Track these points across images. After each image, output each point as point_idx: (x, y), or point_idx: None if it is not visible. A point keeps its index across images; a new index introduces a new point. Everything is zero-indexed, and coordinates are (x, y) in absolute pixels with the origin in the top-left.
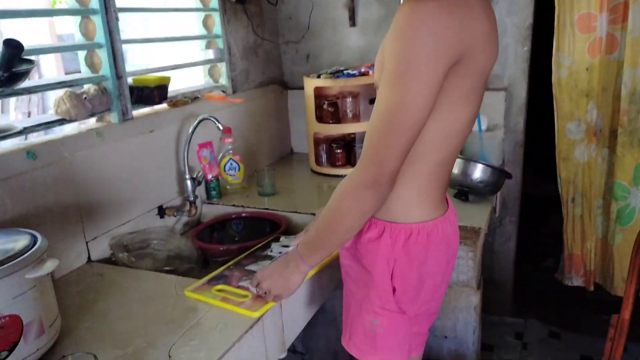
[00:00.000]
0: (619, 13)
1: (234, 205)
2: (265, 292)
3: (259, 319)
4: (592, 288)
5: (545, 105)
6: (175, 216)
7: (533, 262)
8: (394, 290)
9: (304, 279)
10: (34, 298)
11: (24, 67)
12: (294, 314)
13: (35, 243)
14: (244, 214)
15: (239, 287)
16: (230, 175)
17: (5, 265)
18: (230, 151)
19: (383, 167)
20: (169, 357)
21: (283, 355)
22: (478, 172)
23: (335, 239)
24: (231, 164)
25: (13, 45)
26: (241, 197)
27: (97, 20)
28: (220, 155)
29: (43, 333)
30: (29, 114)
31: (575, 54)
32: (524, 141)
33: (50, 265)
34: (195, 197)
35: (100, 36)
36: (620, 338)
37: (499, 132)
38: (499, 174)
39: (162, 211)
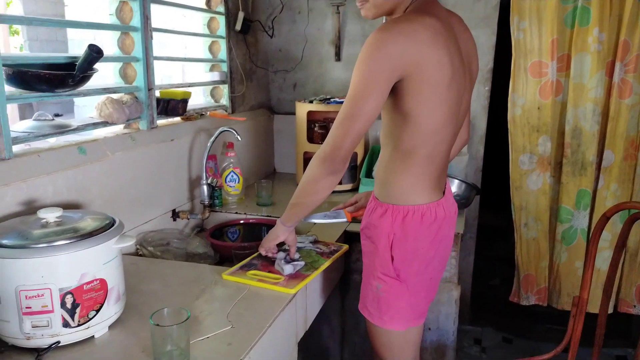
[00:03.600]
0: (563, 62)
1: (236, 213)
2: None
3: (294, 295)
4: (546, 304)
5: (495, 139)
6: (188, 219)
7: (482, 280)
8: (392, 259)
9: (285, 232)
10: (116, 266)
11: (91, 71)
12: (312, 297)
13: (114, 222)
14: (250, 220)
15: (269, 271)
16: (231, 186)
17: (101, 234)
18: (232, 164)
19: (335, 148)
20: (228, 320)
21: (304, 331)
22: (454, 186)
23: (300, 197)
24: (232, 176)
25: (95, 50)
26: (240, 206)
27: (136, 37)
28: (223, 167)
29: (119, 299)
30: None
31: (527, 94)
32: (482, 167)
33: (129, 240)
34: (210, 201)
35: (137, 51)
36: (580, 315)
37: (464, 158)
38: (471, 189)
39: (175, 214)
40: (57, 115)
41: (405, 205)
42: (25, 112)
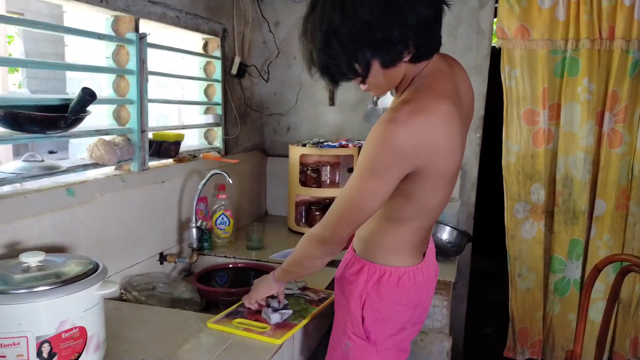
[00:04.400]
0: (554, 111)
1: (225, 257)
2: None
3: (281, 345)
4: (540, 358)
5: (487, 185)
6: (176, 262)
7: (475, 328)
8: (363, 319)
9: (277, 288)
10: (97, 313)
11: (84, 114)
12: (300, 347)
13: (98, 267)
14: (239, 264)
15: (256, 319)
16: (221, 229)
17: (83, 280)
18: (223, 207)
19: (334, 234)
20: None
21: None
22: (446, 233)
23: (297, 269)
24: (222, 218)
25: (89, 94)
26: (230, 249)
27: (132, 80)
28: (213, 210)
29: (98, 348)
30: None
31: (522, 142)
32: (474, 213)
33: (112, 286)
34: (199, 244)
35: (132, 93)
36: None
37: (456, 204)
38: (462, 236)
39: (163, 257)
40: (51, 152)
41: (383, 266)
42: (19, 149)
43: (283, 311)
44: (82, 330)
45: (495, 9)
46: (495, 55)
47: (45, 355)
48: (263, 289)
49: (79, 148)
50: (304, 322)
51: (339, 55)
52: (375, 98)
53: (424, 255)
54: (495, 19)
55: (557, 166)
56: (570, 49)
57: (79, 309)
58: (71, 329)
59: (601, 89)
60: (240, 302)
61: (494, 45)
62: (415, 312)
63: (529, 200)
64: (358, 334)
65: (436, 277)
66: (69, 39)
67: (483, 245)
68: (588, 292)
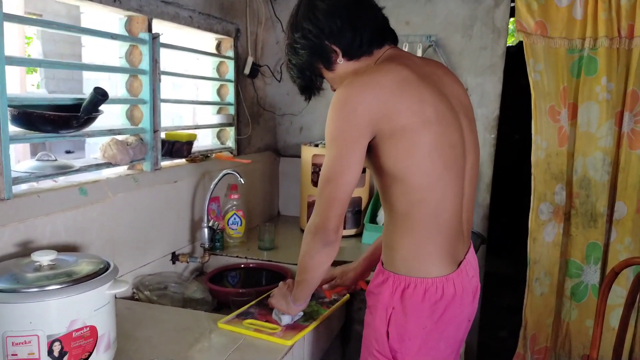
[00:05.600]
0: (571, 111)
1: (237, 257)
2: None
3: (291, 347)
4: None
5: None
6: (188, 262)
7: (490, 331)
8: (388, 336)
9: (296, 311)
10: (108, 313)
11: (96, 113)
12: (310, 349)
13: (109, 266)
14: (251, 265)
15: (267, 320)
16: (233, 229)
17: (94, 279)
18: (235, 207)
19: (323, 218)
20: None
21: None
22: None
23: (302, 275)
24: (234, 218)
25: (101, 93)
26: (241, 249)
27: (145, 80)
28: (225, 210)
29: (109, 347)
30: None
31: (549, 139)
32: (488, 214)
33: (123, 285)
34: (211, 244)
35: (145, 93)
36: None
37: None
38: (476, 238)
39: (175, 257)
40: (68, 152)
41: (407, 277)
42: (37, 148)
43: None
44: (93, 330)
45: (511, 8)
46: (510, 55)
47: (56, 354)
48: (283, 307)
49: (96, 148)
50: (315, 323)
51: (295, 67)
52: None
53: (459, 265)
54: (511, 18)
55: (575, 167)
56: (587, 47)
57: (89, 308)
58: (82, 328)
59: (620, 88)
60: (252, 302)
61: (509, 45)
62: (447, 331)
63: (552, 202)
64: (383, 352)
65: (475, 293)
66: (85, 40)
67: (500, 249)
68: (605, 296)
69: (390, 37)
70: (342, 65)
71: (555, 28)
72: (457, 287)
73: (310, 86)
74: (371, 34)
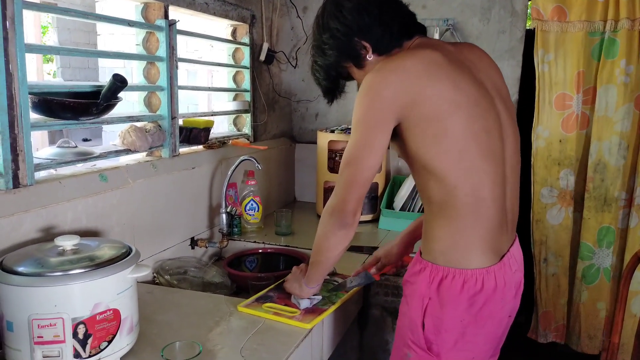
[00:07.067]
0: (589, 95)
1: (255, 242)
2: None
3: (310, 330)
4: (563, 341)
5: None
6: (207, 247)
7: None
8: (423, 326)
9: (309, 294)
10: (131, 296)
11: (115, 100)
12: (329, 332)
13: (130, 251)
14: (269, 250)
15: (286, 304)
16: (250, 215)
17: (116, 264)
18: (252, 193)
19: (341, 200)
20: (242, 355)
21: None
22: None
23: (317, 256)
24: (252, 204)
25: (120, 80)
26: (259, 235)
27: (162, 67)
28: (243, 196)
29: (132, 330)
30: None
31: (551, 127)
32: None
33: (145, 269)
34: (229, 229)
35: (162, 80)
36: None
37: None
38: None
39: (194, 242)
40: (85, 140)
41: (445, 267)
42: (55, 136)
43: (313, 296)
44: (116, 313)
45: None
46: (530, 38)
47: (80, 336)
48: (295, 290)
49: (112, 136)
50: (334, 307)
51: (322, 68)
52: None
53: (502, 257)
54: (530, 1)
55: (590, 151)
56: (609, 30)
57: (112, 291)
58: (105, 311)
59: None
60: (270, 286)
61: (529, 27)
62: (487, 326)
63: (556, 186)
64: (418, 343)
65: (519, 288)
66: (100, 28)
67: None
68: (627, 281)
69: (419, 29)
70: (372, 61)
71: (575, 11)
72: (498, 281)
73: (334, 88)
74: (400, 27)
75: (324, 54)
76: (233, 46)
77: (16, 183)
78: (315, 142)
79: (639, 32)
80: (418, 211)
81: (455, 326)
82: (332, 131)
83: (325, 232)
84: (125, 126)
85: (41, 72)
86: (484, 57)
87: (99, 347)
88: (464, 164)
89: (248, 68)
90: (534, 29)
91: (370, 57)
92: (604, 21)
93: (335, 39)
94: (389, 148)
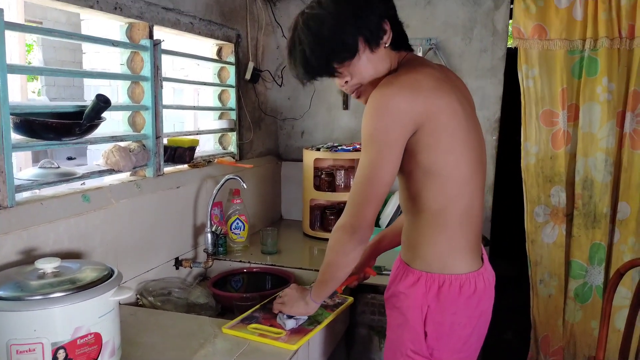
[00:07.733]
0: (572, 112)
1: (240, 262)
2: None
3: (296, 351)
4: None
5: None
6: (191, 267)
7: (495, 333)
8: (425, 335)
9: (316, 309)
10: (112, 319)
11: (99, 120)
12: (315, 353)
13: (113, 273)
14: (254, 269)
15: (271, 325)
16: (236, 234)
17: (98, 286)
18: (238, 212)
19: (360, 217)
20: None
21: None
22: None
23: (332, 273)
24: (237, 223)
25: (103, 100)
26: (245, 254)
27: (146, 86)
28: (228, 214)
29: (114, 354)
30: None
31: (541, 143)
32: (491, 217)
33: (127, 292)
34: (214, 249)
35: (147, 100)
36: None
37: None
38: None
39: (178, 262)
40: (70, 158)
41: (442, 274)
42: (38, 155)
43: (298, 317)
44: (98, 336)
45: (511, 10)
46: (511, 56)
47: None
48: (300, 309)
49: (97, 154)
50: (320, 327)
51: (330, 37)
52: None
53: (482, 260)
54: (510, 20)
55: (577, 168)
56: (588, 48)
57: (94, 315)
58: (86, 335)
59: (622, 88)
60: (255, 307)
61: (510, 46)
62: (478, 324)
63: (549, 204)
64: (420, 352)
65: (494, 285)
66: (86, 47)
67: (503, 250)
68: (610, 297)
69: (408, 44)
70: (384, 51)
71: (555, 30)
72: (485, 281)
73: (321, 66)
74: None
75: (338, 21)
76: (219, 65)
77: None
78: (301, 160)
79: (618, 50)
80: None
81: (455, 329)
82: (318, 149)
83: (343, 249)
84: (109, 146)
85: (25, 91)
86: (458, 77)
87: None
88: (467, 172)
89: (234, 87)
90: (516, 47)
91: (386, 44)
92: (583, 40)
93: (362, 9)
94: None
